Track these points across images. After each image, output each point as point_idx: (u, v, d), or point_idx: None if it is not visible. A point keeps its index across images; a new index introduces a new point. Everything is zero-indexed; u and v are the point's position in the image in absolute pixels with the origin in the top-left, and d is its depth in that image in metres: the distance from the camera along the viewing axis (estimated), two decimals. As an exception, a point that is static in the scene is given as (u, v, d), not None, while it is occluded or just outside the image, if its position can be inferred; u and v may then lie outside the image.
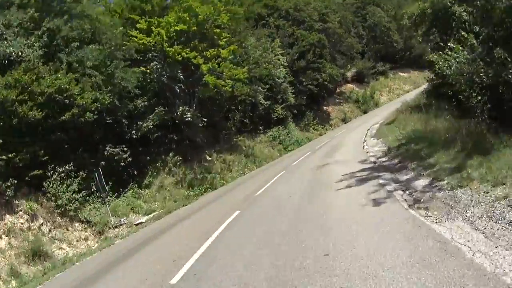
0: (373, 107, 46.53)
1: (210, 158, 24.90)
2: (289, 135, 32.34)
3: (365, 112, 44.53)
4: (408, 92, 54.33)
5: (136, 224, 14.86)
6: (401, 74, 60.92)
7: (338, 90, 48.92)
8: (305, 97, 36.24)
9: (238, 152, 26.35)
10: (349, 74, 52.72)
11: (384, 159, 14.17)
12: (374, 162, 13.94)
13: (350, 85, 50.55)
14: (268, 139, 30.84)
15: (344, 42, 48.71)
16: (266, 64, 30.74)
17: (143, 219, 15.50)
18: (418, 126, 16.01)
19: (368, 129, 26.96)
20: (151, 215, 16.00)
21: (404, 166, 11.43)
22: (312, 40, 38.58)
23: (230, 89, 22.73)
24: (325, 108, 43.07)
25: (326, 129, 38.41)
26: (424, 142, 12.52)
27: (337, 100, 45.77)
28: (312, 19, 45.05)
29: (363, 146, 19.48)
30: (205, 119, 22.97)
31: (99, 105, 15.17)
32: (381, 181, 10.18)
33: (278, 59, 33.34)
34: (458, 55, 10.58)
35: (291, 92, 34.06)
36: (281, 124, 32.56)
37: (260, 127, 31.21)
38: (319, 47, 38.67)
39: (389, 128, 22.12)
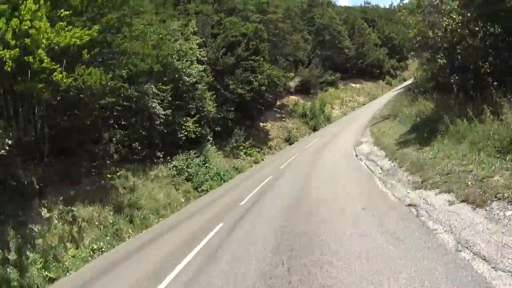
0: (325, 122, 37.89)
1: (46, 215, 13.49)
2: (207, 164, 21.75)
3: (314, 129, 35.58)
4: (364, 104, 47.06)
5: None
6: (353, 85, 53.75)
7: (279, 103, 39.72)
8: (232, 109, 26.05)
9: (107, 201, 15.09)
10: (292, 84, 44.03)
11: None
12: None
13: (293, 97, 41.66)
14: (170, 172, 19.99)
15: (288, 40, 39.85)
16: (168, 52, 20.18)
17: None
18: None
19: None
20: None
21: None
22: (246, 30, 28.85)
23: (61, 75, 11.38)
24: (262, 124, 33.33)
25: (264, 154, 28.46)
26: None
27: (278, 115, 36.37)
28: (247, 8, 35.69)
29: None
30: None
31: None
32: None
33: (191, 49, 22.97)
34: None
35: (211, 100, 23.74)
36: (194, 148, 21.97)
37: (160, 153, 20.33)
38: (255, 40, 29.03)
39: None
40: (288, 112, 37.38)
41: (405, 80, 68.04)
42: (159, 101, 19.79)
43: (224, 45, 27.40)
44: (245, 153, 26.58)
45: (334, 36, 54.25)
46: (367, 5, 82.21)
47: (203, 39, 26.78)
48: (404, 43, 79.77)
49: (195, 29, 25.24)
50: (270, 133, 31.99)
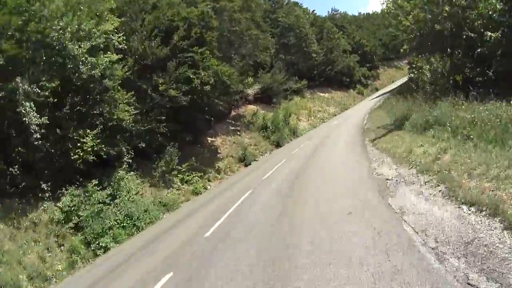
0: (290, 136, 31.86)
1: None
2: (117, 201, 14.78)
3: (278, 145, 29.36)
4: (335, 115, 41.62)
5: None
6: (321, 94, 48.42)
7: (234, 113, 33.32)
8: (163, 118, 19.17)
9: None
10: (251, 91, 37.90)
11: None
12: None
13: (252, 106, 35.45)
14: (53, 216, 12.92)
15: (246, 36, 33.61)
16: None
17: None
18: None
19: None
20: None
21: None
22: (188, 14, 22.24)
23: None
24: (210, 140, 26.65)
25: (209, 180, 21.68)
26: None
27: (233, 127, 29.87)
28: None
29: None
30: None
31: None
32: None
33: (105, 33, 16.06)
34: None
35: (128, 104, 16.85)
36: (100, 175, 15.01)
37: (45, 185, 13.27)
38: (199, 28, 22.44)
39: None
40: (245, 124, 30.98)
41: (377, 89, 63.95)
42: (32, 104, 12.72)
43: (158, 33, 20.64)
44: (181, 180, 19.70)
45: (301, 38, 48.85)
46: (334, 13, 78.24)
47: (128, 22, 19.98)
48: (376, 50, 76.68)
49: (113, 6, 18.34)
50: (220, 151, 25.34)
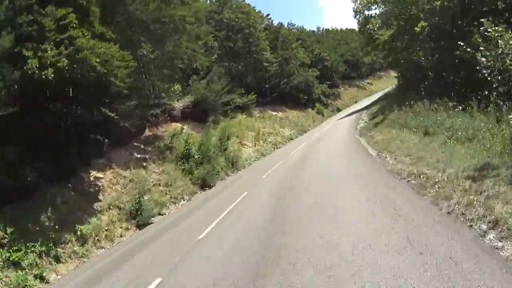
0: (228, 170, 22.62)
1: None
2: None
3: (205, 185, 19.86)
4: (292, 139, 33.30)
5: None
6: (273, 112, 40.15)
7: (149, 133, 24.09)
8: None
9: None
10: (179, 104, 29.05)
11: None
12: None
13: (177, 124, 26.34)
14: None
15: (171, 24, 24.46)
16: None
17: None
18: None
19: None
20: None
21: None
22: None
23: None
24: (94, 174, 17.08)
25: (58, 260, 11.98)
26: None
27: (139, 155, 20.44)
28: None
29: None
30: None
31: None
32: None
33: None
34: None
35: None
36: None
37: None
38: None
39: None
40: (160, 150, 21.65)
41: (339, 110, 57.00)
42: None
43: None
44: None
45: (250, 42, 40.71)
46: (291, 27, 71.43)
47: None
48: (337, 65, 70.39)
49: None
50: (101, 196, 15.82)
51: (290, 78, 45.34)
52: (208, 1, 44.30)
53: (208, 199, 17.20)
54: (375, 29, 31.77)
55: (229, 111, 31.68)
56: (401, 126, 18.57)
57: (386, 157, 14.58)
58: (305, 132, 37.22)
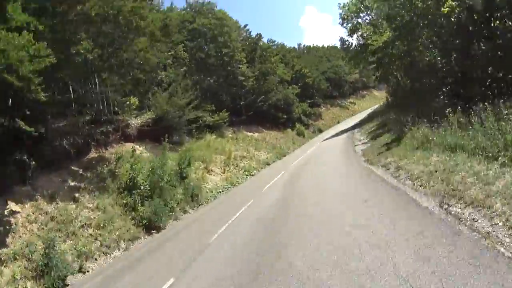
0: (186, 205, 18.25)
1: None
2: None
3: (151, 227, 15.54)
4: (268, 164, 29.50)
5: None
6: (248, 133, 36.45)
7: (94, 155, 19.93)
8: None
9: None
10: (135, 121, 25.19)
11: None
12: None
13: (132, 145, 22.33)
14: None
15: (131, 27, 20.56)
16: None
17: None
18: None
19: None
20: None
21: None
22: None
23: None
24: (11, 207, 13.00)
25: None
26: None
27: (74, 182, 16.25)
28: None
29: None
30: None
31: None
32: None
33: None
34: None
35: None
36: None
37: None
38: None
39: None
40: (101, 176, 17.46)
41: (320, 130, 53.77)
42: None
43: None
44: None
45: (224, 54, 37.16)
46: (271, 43, 68.52)
47: None
48: (319, 83, 67.58)
49: None
50: (10, 237, 11.49)
51: (268, 95, 41.85)
52: (183, 10, 41.00)
53: (150, 252, 13.06)
54: (366, 35, 29.13)
55: (194, 130, 27.75)
56: (439, 146, 12.66)
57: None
58: (284, 156, 33.43)
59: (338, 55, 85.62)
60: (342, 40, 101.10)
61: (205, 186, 20.70)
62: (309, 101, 56.38)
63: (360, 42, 36.43)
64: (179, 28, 36.48)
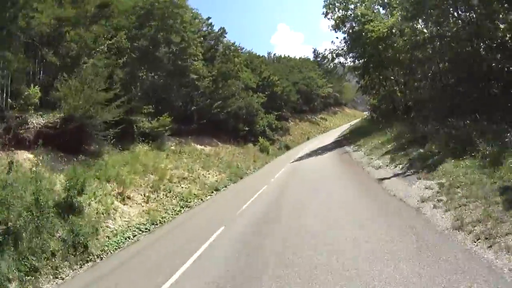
0: (63, 264, 10.65)
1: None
2: None
3: None
4: (218, 190, 22.11)
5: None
6: (197, 145, 29.78)
7: None
8: None
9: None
10: (38, 120, 18.32)
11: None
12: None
13: (26, 154, 15.26)
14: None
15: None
16: None
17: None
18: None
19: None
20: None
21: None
22: None
23: None
24: None
25: None
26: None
27: None
28: None
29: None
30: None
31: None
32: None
33: None
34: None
35: None
36: None
37: None
38: None
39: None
40: None
41: (287, 147, 47.54)
42: None
43: None
44: None
45: (175, 43, 30.37)
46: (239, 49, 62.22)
47: None
48: (289, 94, 61.73)
49: None
50: None
51: (228, 101, 35.25)
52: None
53: None
54: (363, 20, 23.96)
55: (114, 139, 20.59)
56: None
57: None
58: (241, 179, 26.62)
59: (311, 67, 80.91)
60: (315, 52, 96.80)
61: (107, 227, 13.55)
62: (276, 113, 50.30)
63: (348, 37, 30.65)
64: (128, 14, 29.66)
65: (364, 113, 68.25)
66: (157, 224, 15.27)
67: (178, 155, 25.38)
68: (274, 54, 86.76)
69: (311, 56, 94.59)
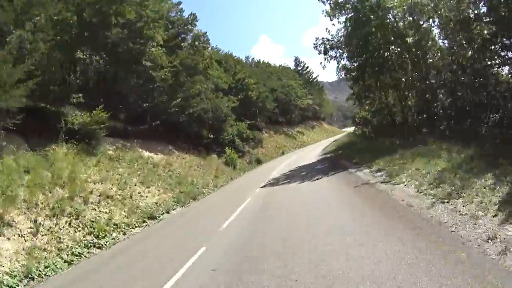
0: None
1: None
2: None
3: None
4: (155, 218, 15.08)
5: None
6: (145, 152, 24.17)
7: None
8: None
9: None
10: None
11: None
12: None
13: None
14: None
15: None
16: None
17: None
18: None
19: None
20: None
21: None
22: None
23: None
24: None
25: None
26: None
27: None
28: None
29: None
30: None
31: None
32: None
33: None
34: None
35: None
36: None
37: None
38: None
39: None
40: None
41: (259, 162, 42.19)
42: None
43: None
44: None
45: (129, 23, 24.71)
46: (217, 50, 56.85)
47: None
48: (265, 101, 56.66)
49: None
50: None
51: (191, 100, 29.66)
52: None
53: None
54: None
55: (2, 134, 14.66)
56: None
57: None
58: (194, 200, 20.98)
59: (291, 75, 76.56)
60: (296, 61, 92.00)
61: None
62: (249, 121, 45.00)
63: (348, 23, 25.39)
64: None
65: (347, 129, 64.47)
66: (32, 279, 9.47)
67: (114, 163, 19.61)
68: (253, 58, 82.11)
69: (292, 66, 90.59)
